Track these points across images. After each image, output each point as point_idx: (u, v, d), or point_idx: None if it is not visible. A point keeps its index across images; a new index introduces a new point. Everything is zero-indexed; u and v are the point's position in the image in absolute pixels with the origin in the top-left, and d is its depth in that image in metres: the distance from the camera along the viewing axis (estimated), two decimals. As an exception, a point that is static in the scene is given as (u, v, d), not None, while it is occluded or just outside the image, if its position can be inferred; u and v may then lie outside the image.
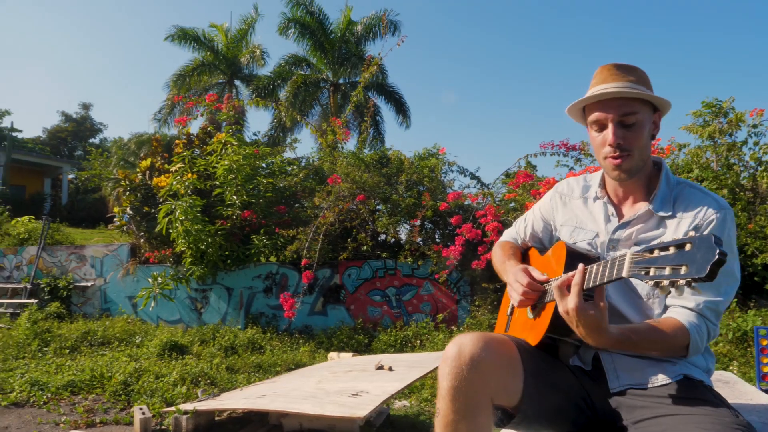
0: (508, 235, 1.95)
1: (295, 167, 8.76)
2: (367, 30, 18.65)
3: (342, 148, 8.87)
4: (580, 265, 1.28)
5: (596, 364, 1.51)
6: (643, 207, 1.50)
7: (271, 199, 8.29)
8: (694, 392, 1.37)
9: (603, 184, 1.62)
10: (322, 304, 7.97)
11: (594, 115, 1.49)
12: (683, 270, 0.99)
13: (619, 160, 1.46)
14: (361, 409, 2.76)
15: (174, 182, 7.96)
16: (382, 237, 8.33)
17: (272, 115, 19.86)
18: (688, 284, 0.98)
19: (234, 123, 8.73)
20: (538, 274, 1.52)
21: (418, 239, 7.56)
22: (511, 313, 1.74)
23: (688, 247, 1.00)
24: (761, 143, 6.77)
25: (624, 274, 1.14)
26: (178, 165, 8.38)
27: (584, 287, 1.27)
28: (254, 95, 17.43)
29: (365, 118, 8.95)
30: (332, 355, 5.86)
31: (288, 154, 9.49)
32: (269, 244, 7.80)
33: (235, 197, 7.89)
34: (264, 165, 8.81)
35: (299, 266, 7.36)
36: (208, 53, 20.76)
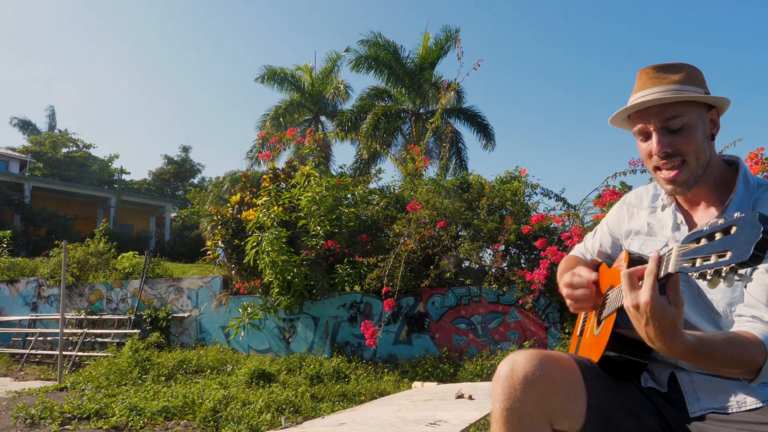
0: (576, 250, 1.81)
1: (376, 196, 8.85)
2: (438, 52, 18.70)
3: (422, 175, 8.87)
4: (654, 252, 1.10)
5: (672, 385, 1.33)
6: (716, 214, 1.33)
7: (354, 229, 8.40)
8: None
9: None
10: (407, 332, 7.89)
11: (636, 126, 1.37)
12: (728, 255, 0.84)
13: (674, 173, 1.31)
14: (439, 438, 2.65)
15: (260, 215, 8.26)
16: (466, 263, 8.17)
17: (357, 148, 20.37)
18: (733, 271, 0.83)
19: (318, 156, 8.98)
20: (585, 272, 1.40)
21: (503, 264, 7.35)
22: (581, 333, 1.61)
23: (733, 230, 0.86)
24: None
25: (671, 269, 0.99)
26: (265, 198, 8.70)
27: (659, 276, 1.07)
28: (338, 129, 17.95)
29: (443, 144, 8.92)
30: (416, 384, 5.75)
31: (373, 185, 9.64)
32: (353, 273, 7.87)
33: (318, 228, 8.05)
34: (347, 196, 8.97)
35: (384, 295, 7.36)
36: (296, 93, 21.73)
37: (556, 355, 1.30)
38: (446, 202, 7.44)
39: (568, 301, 1.44)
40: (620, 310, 1.26)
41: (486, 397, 3.32)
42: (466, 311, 7.72)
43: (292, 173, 9.13)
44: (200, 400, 5.31)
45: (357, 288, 8.15)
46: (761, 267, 1.21)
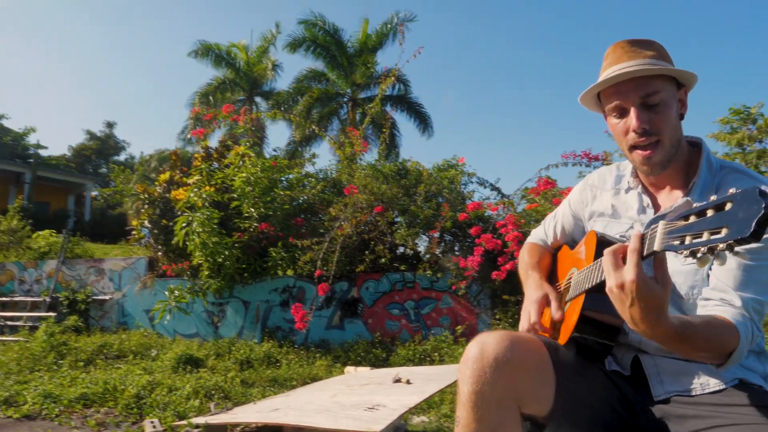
0: (535, 235, 1.78)
1: (313, 180, 8.69)
2: (380, 38, 18.59)
3: (360, 160, 8.79)
4: (636, 230, 1.07)
5: (636, 368, 1.33)
6: (680, 196, 1.32)
7: (289, 212, 8.22)
8: (757, 399, 1.17)
9: (636, 173, 1.45)
10: (340, 317, 7.84)
11: (612, 101, 1.31)
12: (723, 232, 0.81)
13: (648, 151, 1.28)
14: (377, 423, 2.61)
15: (191, 195, 7.94)
16: (401, 249, 8.19)
17: (290, 131, 19.99)
18: (730, 248, 0.80)
19: (252, 136, 8.72)
20: (555, 308, 1.37)
21: (437, 251, 7.41)
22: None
23: (728, 206, 0.83)
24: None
25: (656, 248, 0.95)
26: (196, 178, 8.36)
27: (643, 254, 1.02)
28: (274, 110, 17.54)
29: (383, 129, 8.86)
30: (349, 369, 5.71)
31: (307, 169, 9.45)
32: (286, 257, 7.71)
33: (252, 210, 7.83)
34: (283, 178, 8.76)
35: (317, 279, 7.26)
36: (230, 71, 21.01)
37: (525, 336, 1.26)
38: (384, 187, 7.40)
39: (524, 323, 1.43)
40: (589, 292, 1.24)
41: (424, 381, 3.31)
42: (399, 297, 7.75)
43: (226, 153, 8.82)
44: (122, 386, 5.04)
45: (290, 272, 8.00)
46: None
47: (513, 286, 6.69)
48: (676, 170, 1.35)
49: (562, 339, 1.32)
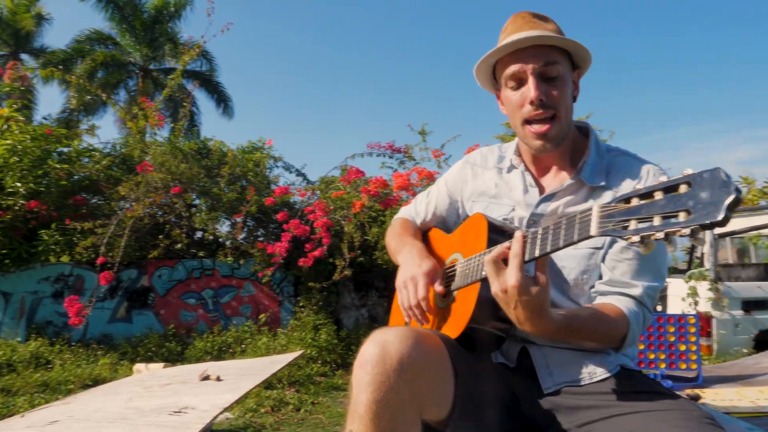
0: (405, 212, 1.65)
1: (97, 154, 7.61)
2: (178, 7, 17.22)
3: (154, 136, 7.96)
4: (518, 233, 1.02)
5: (523, 360, 1.28)
6: (569, 177, 1.30)
7: (66, 189, 7.09)
8: (641, 384, 1.20)
9: (519, 152, 1.40)
10: (127, 309, 7.05)
11: (510, 69, 1.25)
12: (682, 217, 0.76)
13: (546, 126, 1.23)
14: (187, 428, 2.30)
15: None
16: (200, 234, 7.65)
17: (66, 98, 17.45)
18: (694, 233, 0.75)
19: (20, 97, 7.35)
20: (440, 288, 1.27)
21: (240, 237, 7.05)
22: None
23: (683, 188, 0.78)
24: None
25: (592, 233, 0.88)
26: (-60, 142, 6.81)
27: (525, 259, 1.02)
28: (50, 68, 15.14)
29: (184, 104, 8.13)
30: (139, 366, 5.14)
31: (88, 140, 8.25)
32: (62, 242, 6.67)
33: (18, 184, 6.60)
34: (58, 150, 7.53)
35: (99, 266, 6.40)
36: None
37: (425, 332, 1.12)
38: (183, 166, 6.80)
39: (406, 311, 1.29)
40: (485, 282, 1.14)
41: (236, 377, 3.05)
42: (197, 285, 7.24)
43: (-17, 115, 7.33)
44: None
45: (66, 258, 6.95)
46: (620, 242, 1.21)
47: (318, 273, 6.66)
48: (564, 151, 1.33)
49: (454, 331, 1.21)
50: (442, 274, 1.32)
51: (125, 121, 8.67)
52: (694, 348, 2.34)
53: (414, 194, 6.91)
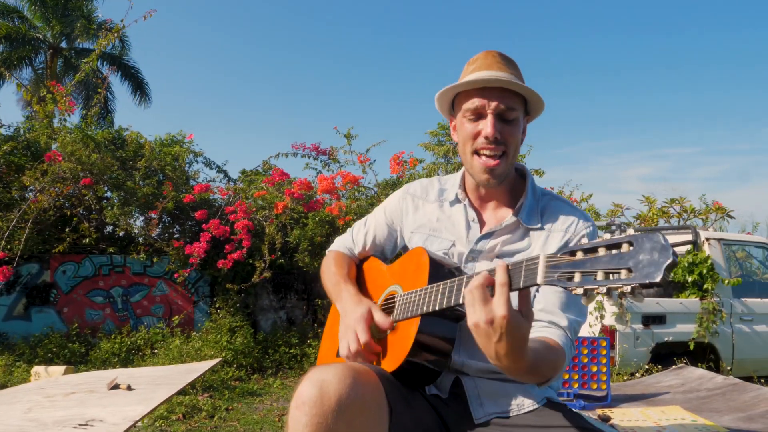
0: (341, 243, 1.64)
1: (-4, 137, 7.04)
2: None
3: (64, 122, 7.46)
4: (501, 262, 1.00)
5: (455, 391, 1.30)
6: (507, 216, 1.36)
7: (-42, 174, 6.54)
8: (572, 419, 1.24)
9: (464, 185, 1.44)
10: (25, 306, 6.59)
11: (473, 102, 1.30)
12: (624, 274, 0.80)
13: (495, 162, 1.29)
14: (93, 445, 2.18)
15: None
16: (110, 229, 7.26)
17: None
18: (633, 291, 0.80)
19: None
20: (382, 319, 1.26)
21: (155, 233, 6.76)
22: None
23: (625, 248, 0.82)
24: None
25: (539, 281, 0.91)
26: None
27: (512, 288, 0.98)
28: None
29: (99, 90, 7.66)
30: (38, 369, 4.79)
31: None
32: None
33: None
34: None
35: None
36: None
37: (361, 368, 1.11)
38: (95, 156, 6.41)
39: (347, 354, 1.27)
40: (426, 317, 1.16)
41: (149, 385, 2.91)
42: (105, 282, 6.88)
43: None
44: None
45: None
46: None
47: (236, 274, 6.51)
48: (505, 189, 1.39)
49: (391, 365, 1.22)
50: (379, 310, 1.33)
51: (31, 103, 8.05)
52: (604, 369, 2.50)
53: (338, 198, 6.90)
